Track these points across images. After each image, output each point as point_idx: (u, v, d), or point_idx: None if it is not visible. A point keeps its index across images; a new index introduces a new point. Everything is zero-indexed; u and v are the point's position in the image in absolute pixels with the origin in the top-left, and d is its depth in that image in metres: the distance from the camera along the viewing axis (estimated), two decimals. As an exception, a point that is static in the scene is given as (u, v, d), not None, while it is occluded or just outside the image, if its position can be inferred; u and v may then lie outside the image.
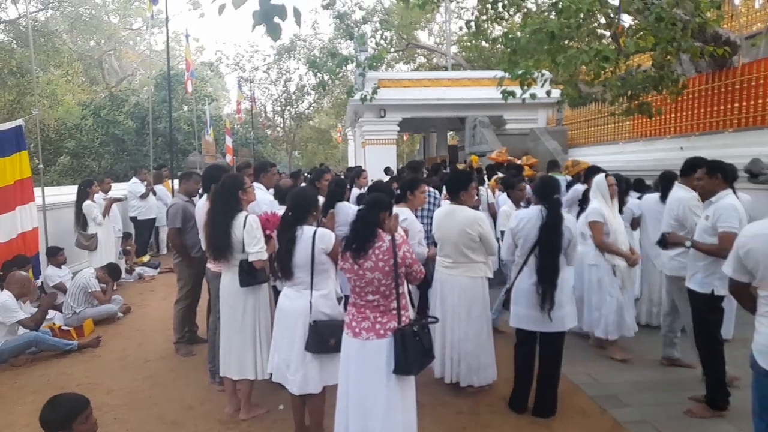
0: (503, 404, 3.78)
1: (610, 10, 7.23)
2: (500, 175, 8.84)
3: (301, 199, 3.19)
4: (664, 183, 5.28)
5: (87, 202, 7.34)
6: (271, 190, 4.72)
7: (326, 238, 3.06)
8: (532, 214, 3.58)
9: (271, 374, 3.34)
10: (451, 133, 23.51)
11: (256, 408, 3.76)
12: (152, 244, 10.61)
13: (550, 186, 3.58)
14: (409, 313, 2.84)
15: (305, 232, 3.06)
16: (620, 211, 5.29)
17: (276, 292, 3.55)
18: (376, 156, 15.02)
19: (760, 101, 7.10)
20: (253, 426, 3.60)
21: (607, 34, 7.98)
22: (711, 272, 3.50)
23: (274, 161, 31.97)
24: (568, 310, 3.56)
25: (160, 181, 10.58)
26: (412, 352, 2.61)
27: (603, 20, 7.79)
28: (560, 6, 6.49)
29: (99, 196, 7.73)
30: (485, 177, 8.80)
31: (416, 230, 4.22)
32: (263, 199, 4.28)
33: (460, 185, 4.01)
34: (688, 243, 3.57)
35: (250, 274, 3.48)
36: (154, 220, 9.83)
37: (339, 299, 3.20)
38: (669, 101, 8.29)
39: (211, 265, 4.04)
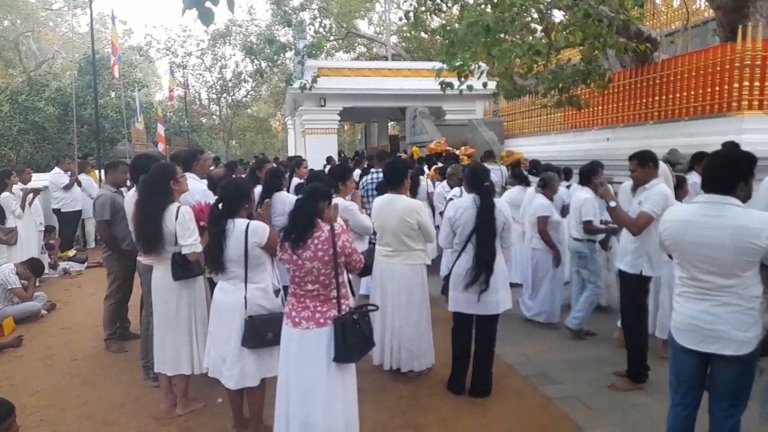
0: (442, 387, 3.88)
1: (542, 6, 7.48)
2: (439, 165, 9.01)
3: (232, 190, 3.10)
4: (588, 172, 5.58)
5: (4, 194, 6.84)
6: (205, 180, 4.58)
7: (260, 231, 3.01)
8: (467, 202, 3.68)
9: (207, 369, 3.26)
10: (392, 123, 23.64)
11: (193, 402, 3.66)
12: (79, 238, 10.05)
13: (479, 174, 3.70)
14: (350, 302, 2.85)
15: (237, 225, 2.99)
16: (551, 199, 5.55)
17: (212, 285, 3.46)
18: (316, 145, 14.87)
19: (677, 95, 7.60)
20: (191, 421, 3.51)
21: (540, 28, 8.27)
22: (640, 254, 3.74)
23: (211, 151, 30.95)
24: (503, 294, 3.69)
25: (85, 171, 10.00)
26: (352, 340, 2.63)
27: (536, 15, 8.06)
28: (495, 0, 6.65)
29: (18, 188, 7.23)
30: (425, 167, 8.94)
31: (360, 224, 4.23)
32: (196, 189, 4.15)
33: (399, 175, 4.07)
34: (613, 203, 3.71)
35: (183, 267, 3.37)
36: (79, 212, 9.30)
37: (277, 291, 3.16)
38: (596, 94, 8.71)
39: (142, 259, 3.88)
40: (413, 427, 3.39)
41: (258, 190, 4.54)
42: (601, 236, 5.06)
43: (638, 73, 8.44)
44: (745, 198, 2.45)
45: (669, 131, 7.47)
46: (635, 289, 3.84)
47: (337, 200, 4.03)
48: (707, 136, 6.49)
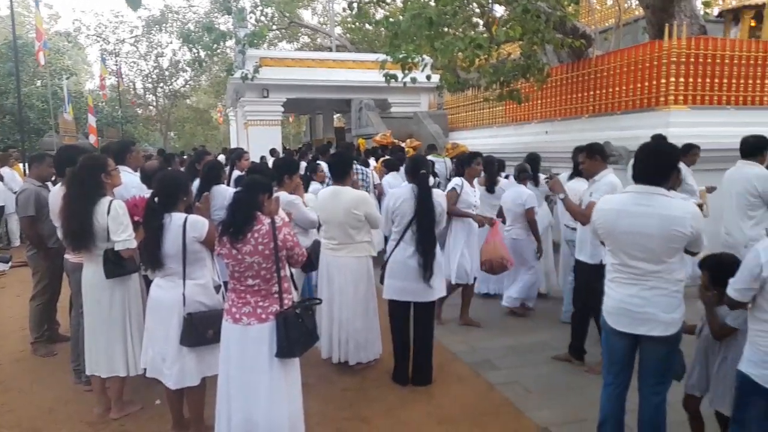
0: (389, 378, 3.91)
1: (482, 0, 7.60)
2: (386, 157, 9.02)
3: (168, 183, 2.98)
4: (531, 165, 5.77)
5: None
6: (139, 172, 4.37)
7: (198, 225, 2.90)
8: (406, 192, 3.71)
9: (145, 369, 3.12)
10: (338, 115, 23.47)
11: (128, 405, 3.51)
12: (1, 236, 9.40)
13: (417, 164, 3.75)
14: (293, 296, 2.80)
15: (174, 219, 2.88)
16: (492, 190, 5.68)
17: (148, 282, 3.32)
18: (260, 137, 14.53)
19: (610, 90, 7.92)
20: (127, 424, 3.36)
21: (481, 23, 8.41)
22: (599, 244, 3.86)
23: (147, 143, 29.63)
24: (437, 281, 3.75)
25: (8, 165, 9.35)
26: (295, 334, 2.59)
27: (477, 9, 8.19)
28: (438, -8, 6.70)
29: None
30: (372, 159, 8.94)
31: (305, 217, 4.17)
32: (131, 183, 3.96)
33: (344, 167, 4.04)
34: (562, 195, 3.89)
35: (117, 264, 3.21)
36: (2, 208, 8.69)
37: (218, 287, 3.06)
38: (536, 89, 8.95)
39: (70, 257, 3.66)
40: (359, 418, 3.39)
41: (197, 183, 4.39)
42: None
43: (574, 68, 8.74)
44: (674, 187, 2.58)
45: (603, 124, 7.78)
46: (593, 278, 3.95)
47: (280, 194, 3.98)
48: (638, 129, 6.81)
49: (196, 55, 13.48)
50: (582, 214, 3.72)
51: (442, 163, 8.46)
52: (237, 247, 2.55)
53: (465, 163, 5.11)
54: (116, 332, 3.31)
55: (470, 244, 4.92)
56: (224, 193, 4.30)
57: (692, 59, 6.83)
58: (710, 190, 5.43)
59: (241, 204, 2.61)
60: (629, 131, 6.93)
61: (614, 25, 11.03)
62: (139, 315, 3.38)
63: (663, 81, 6.87)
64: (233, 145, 20.72)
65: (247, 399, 2.63)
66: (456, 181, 4.91)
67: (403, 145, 11.06)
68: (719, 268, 2.55)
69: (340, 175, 4.03)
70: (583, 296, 4.05)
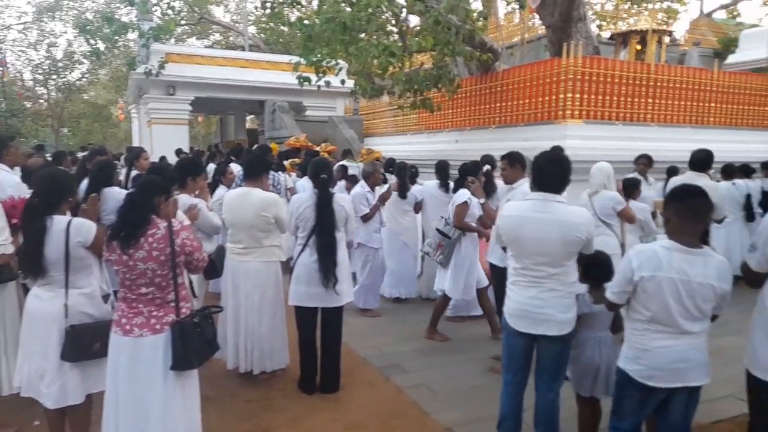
0: (294, 387, 3.80)
1: (396, 9, 7.73)
2: (296, 160, 8.91)
3: (50, 182, 2.71)
4: (441, 172, 5.91)
5: None
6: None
7: (84, 229, 2.66)
8: (308, 198, 3.67)
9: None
10: (251, 116, 22.85)
11: (3, 428, 3.14)
12: None
13: (318, 168, 3.69)
14: (191, 305, 2.64)
15: (56, 222, 2.61)
16: (404, 196, 5.76)
17: (26, 291, 2.99)
18: (165, 137, 13.72)
19: (515, 102, 8.36)
20: (-2, 452, 3.00)
21: (395, 31, 8.54)
22: None
23: (36, 140, 27.13)
24: (345, 286, 3.72)
25: None
26: (193, 345, 2.43)
27: (392, 18, 8.31)
28: (352, -1, 6.72)
29: None
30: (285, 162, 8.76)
31: (208, 222, 3.97)
32: (7, 181, 3.57)
33: (261, 167, 3.92)
34: (483, 200, 4.15)
35: (-11, 272, 2.87)
36: None
37: (107, 296, 2.82)
38: (447, 98, 9.24)
39: (-70, 264, 3.22)
40: (262, 430, 3.27)
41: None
42: None
43: (482, 80, 9.13)
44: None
45: (508, 135, 8.19)
46: (504, 280, 4.09)
47: (180, 197, 3.77)
48: (538, 140, 7.22)
49: (95, 46, 12.53)
50: None
51: (356, 168, 8.47)
52: (128, 253, 2.36)
53: (470, 171, 4.75)
54: (-13, 348, 2.95)
55: (476, 259, 4.80)
56: (117, 195, 3.96)
57: (587, 77, 7.37)
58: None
59: (134, 206, 2.41)
60: (531, 142, 7.32)
61: (519, 41, 11.68)
62: (16, 328, 3.04)
63: (561, 96, 7.35)
64: (135, 144, 19.48)
65: (138, 416, 2.44)
66: (465, 193, 4.63)
67: (317, 149, 10.98)
68: (590, 263, 2.76)
69: (254, 175, 3.89)
70: (501, 298, 4.18)
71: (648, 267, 2.26)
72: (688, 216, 2.25)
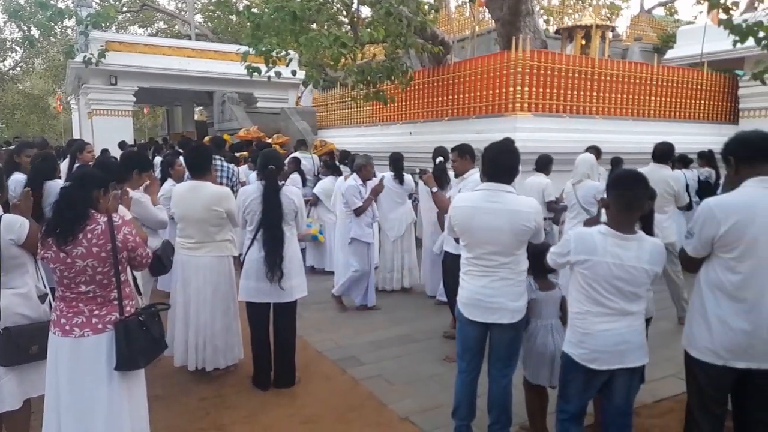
0: (249, 383, 3.74)
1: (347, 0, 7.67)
2: (244, 153, 8.72)
3: None
4: (395, 164, 5.93)
5: None
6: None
7: (17, 226, 2.50)
8: (255, 189, 3.59)
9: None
10: (199, 108, 22.17)
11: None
12: None
13: (266, 159, 3.61)
14: (135, 302, 2.53)
15: None
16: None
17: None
18: (107, 129, 13.10)
19: (466, 95, 8.46)
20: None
21: (347, 22, 8.47)
22: None
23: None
24: (297, 281, 3.68)
25: None
26: (138, 344, 2.33)
27: (342, 9, 8.23)
28: (302, -13, 6.60)
29: None
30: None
31: (154, 217, 3.82)
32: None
33: (204, 161, 3.80)
34: (435, 189, 4.19)
35: None
36: None
37: (44, 296, 2.67)
38: (400, 90, 9.26)
39: None
40: (216, 428, 3.19)
41: (17, 178, 3.82)
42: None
43: (435, 73, 9.19)
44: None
45: (460, 127, 8.29)
46: (457, 268, 4.14)
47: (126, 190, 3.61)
48: (490, 133, 7.34)
49: (28, 33, 11.82)
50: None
51: (310, 160, 8.37)
52: (66, 250, 2.23)
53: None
54: None
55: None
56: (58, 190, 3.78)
57: (535, 70, 7.54)
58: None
59: (70, 200, 2.27)
60: (483, 134, 7.44)
61: (470, 35, 11.82)
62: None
63: (511, 89, 7.50)
64: (76, 136, 18.55)
65: (81, 419, 2.32)
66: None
67: (269, 140, 10.77)
68: (537, 252, 2.81)
69: (200, 169, 3.78)
70: (455, 285, 4.23)
71: (583, 251, 2.36)
72: (622, 205, 2.34)
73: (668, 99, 9.16)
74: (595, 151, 6.52)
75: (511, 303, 2.72)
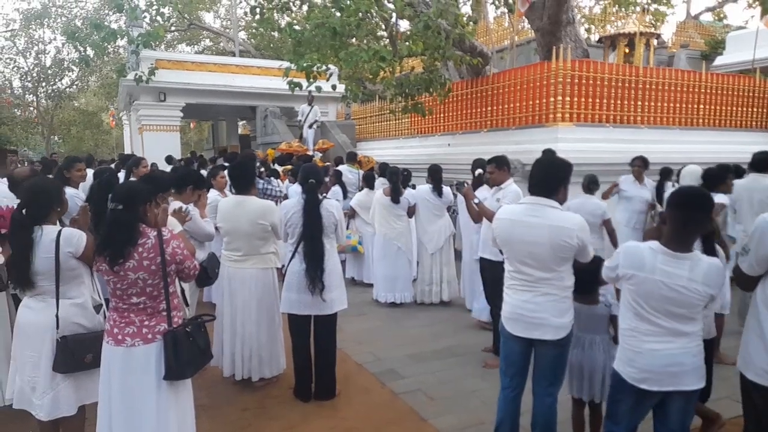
0: (291, 394, 3.78)
1: (386, 14, 7.75)
2: (289, 166, 8.88)
3: (38, 192, 2.67)
4: (434, 176, 5.92)
5: None
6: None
7: (74, 240, 2.62)
8: (295, 203, 3.65)
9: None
10: (243, 122, 22.79)
11: (-7, 443, 3.10)
12: None
13: (307, 173, 3.66)
14: (183, 313, 2.61)
15: (46, 233, 2.58)
16: (396, 201, 5.77)
17: (17, 301, 2.96)
18: (156, 143, 13.64)
19: (506, 106, 8.39)
20: (-10, 466, 2.96)
21: (386, 36, 8.57)
22: None
23: (27, 148, 26.83)
24: (337, 293, 3.70)
25: None
26: (185, 354, 2.41)
27: (381, 23, 8.34)
28: (341, 4, 6.72)
29: None
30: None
31: (202, 230, 3.94)
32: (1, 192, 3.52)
33: (248, 177, 3.91)
34: (476, 200, 4.21)
35: (-21, 283, 2.83)
36: None
37: (99, 306, 2.79)
38: (438, 102, 9.27)
39: None
40: (258, 439, 3.25)
41: (68, 192, 4.00)
42: None
43: (473, 84, 9.15)
44: (563, 200, 2.76)
45: (499, 138, 8.21)
46: (500, 274, 4.09)
47: (174, 203, 3.74)
48: (530, 143, 7.26)
49: (84, 53, 12.45)
50: (491, 215, 3.89)
51: (356, 174, 8.43)
52: (119, 264, 2.33)
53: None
54: (-24, 360, 2.91)
55: None
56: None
57: (576, 80, 7.41)
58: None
59: (120, 224, 2.35)
60: (523, 145, 7.36)
61: (509, 45, 11.73)
62: (7, 339, 3.02)
63: (552, 99, 7.38)
64: (127, 151, 19.38)
65: (131, 427, 2.40)
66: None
67: (309, 152, 10.96)
68: (582, 269, 2.75)
69: (244, 184, 3.89)
70: (498, 295, 4.18)
71: (630, 265, 2.30)
72: (678, 224, 2.25)
73: (718, 107, 8.83)
74: (641, 161, 6.35)
75: (555, 319, 2.66)
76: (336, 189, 7.33)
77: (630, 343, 2.35)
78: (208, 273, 3.68)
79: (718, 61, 12.12)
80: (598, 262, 2.77)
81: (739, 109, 9.11)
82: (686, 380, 2.28)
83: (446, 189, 5.97)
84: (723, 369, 3.05)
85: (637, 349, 2.31)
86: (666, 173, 6.33)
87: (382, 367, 4.30)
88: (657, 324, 2.27)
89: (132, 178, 6.18)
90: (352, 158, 9.05)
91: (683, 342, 2.27)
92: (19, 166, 6.22)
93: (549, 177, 2.73)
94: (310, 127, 12.04)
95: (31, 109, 30.52)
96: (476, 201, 4.18)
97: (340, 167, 8.56)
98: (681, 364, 2.26)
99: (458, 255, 6.12)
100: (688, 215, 2.24)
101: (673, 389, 2.28)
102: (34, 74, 28.29)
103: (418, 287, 6.04)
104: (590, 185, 5.59)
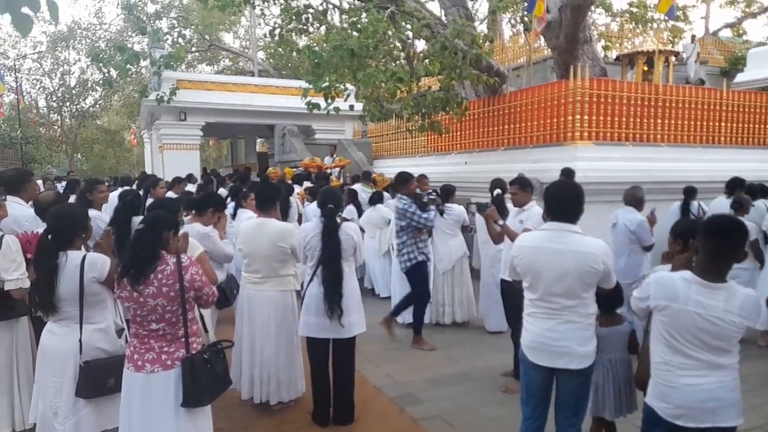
0: (308, 418, 3.75)
1: (403, 35, 7.83)
2: (309, 184, 8.92)
3: (63, 218, 2.72)
4: (445, 196, 5.89)
5: None
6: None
7: (98, 265, 2.67)
8: (314, 226, 3.66)
9: (35, 425, 2.79)
10: (261, 140, 23.08)
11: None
12: None
13: (325, 198, 3.66)
14: (202, 339, 2.62)
15: (71, 258, 2.63)
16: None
17: (36, 325, 3.00)
18: (176, 162, 13.86)
19: (523, 124, 8.36)
20: (10, 490, 2.97)
21: (403, 56, 8.64)
22: None
23: (51, 165, 27.45)
24: (355, 317, 3.66)
25: None
26: (203, 381, 2.41)
27: (398, 43, 8.42)
28: (359, 25, 6.81)
29: None
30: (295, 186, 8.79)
31: (221, 252, 3.97)
32: (23, 216, 3.59)
33: (270, 197, 3.93)
34: (501, 222, 4.19)
35: (4, 306, 2.90)
36: None
37: (121, 330, 2.82)
38: (455, 121, 9.28)
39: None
40: (276, 465, 3.22)
41: (91, 214, 4.07)
42: None
43: (490, 103, 9.16)
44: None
45: (517, 157, 8.18)
46: (519, 295, 4.05)
47: (193, 225, 3.78)
48: (548, 162, 7.21)
49: (107, 74, 12.78)
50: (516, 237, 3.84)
51: (368, 193, 8.45)
52: (139, 290, 2.36)
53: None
54: (2, 383, 2.95)
55: None
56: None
57: (595, 98, 7.36)
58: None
59: (142, 243, 2.41)
60: (540, 164, 7.32)
61: (525, 63, 11.73)
62: (28, 363, 3.06)
63: (570, 118, 7.34)
64: (148, 170, 19.72)
65: (151, 454, 2.41)
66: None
67: (332, 161, 11.01)
68: (605, 294, 2.71)
69: (267, 205, 3.91)
70: (517, 317, 4.13)
71: (663, 296, 2.23)
72: (713, 253, 2.19)
73: (740, 125, 8.69)
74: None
75: (580, 348, 2.60)
76: (350, 208, 7.35)
77: (664, 377, 2.27)
78: (226, 294, 3.71)
79: (740, 78, 11.97)
80: (619, 290, 2.74)
81: (762, 126, 8.96)
82: (724, 416, 2.19)
83: (460, 208, 5.94)
84: (756, 396, 2.93)
85: (672, 384, 2.24)
86: (690, 192, 6.21)
87: (400, 391, 4.25)
88: (692, 357, 2.20)
89: (150, 199, 6.28)
90: (367, 177, 9.08)
91: (720, 376, 2.19)
92: (42, 189, 6.35)
93: (574, 202, 2.68)
94: None
95: (56, 127, 31.34)
96: (501, 223, 4.15)
97: (355, 186, 8.59)
98: (719, 399, 2.18)
99: (476, 274, 6.06)
100: (723, 244, 2.18)
101: (711, 426, 2.19)
102: (59, 94, 29.11)
103: (432, 308, 5.97)
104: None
